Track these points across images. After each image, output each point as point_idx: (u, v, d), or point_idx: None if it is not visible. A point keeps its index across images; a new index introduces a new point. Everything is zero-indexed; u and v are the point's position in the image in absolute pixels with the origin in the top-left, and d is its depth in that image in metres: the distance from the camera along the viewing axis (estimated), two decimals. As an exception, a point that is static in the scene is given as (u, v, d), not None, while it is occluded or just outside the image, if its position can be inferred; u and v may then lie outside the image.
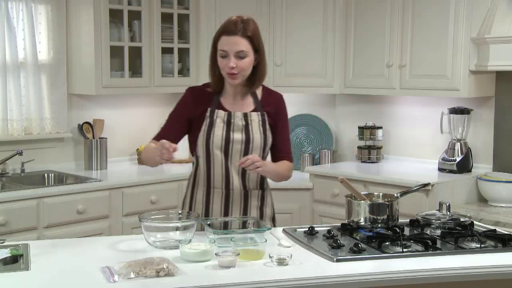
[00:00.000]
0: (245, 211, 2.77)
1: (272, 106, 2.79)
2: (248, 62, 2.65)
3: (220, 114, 2.71)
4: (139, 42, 4.50)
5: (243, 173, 2.74)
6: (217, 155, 2.71)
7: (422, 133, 4.65)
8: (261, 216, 2.81)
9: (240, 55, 2.62)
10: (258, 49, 2.68)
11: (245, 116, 2.73)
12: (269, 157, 2.88)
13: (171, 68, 4.70)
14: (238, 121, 2.72)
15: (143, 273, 2.05)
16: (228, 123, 2.71)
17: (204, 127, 2.71)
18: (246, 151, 2.71)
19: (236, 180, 2.74)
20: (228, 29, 2.63)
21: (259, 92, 2.80)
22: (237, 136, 2.71)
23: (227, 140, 2.70)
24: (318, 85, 4.73)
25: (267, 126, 2.76)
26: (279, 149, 2.82)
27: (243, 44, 2.62)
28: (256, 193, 2.80)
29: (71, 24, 4.41)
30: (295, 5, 4.65)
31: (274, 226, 2.85)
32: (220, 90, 2.76)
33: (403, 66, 4.33)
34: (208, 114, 2.72)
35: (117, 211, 4.03)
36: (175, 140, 2.69)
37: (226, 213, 2.76)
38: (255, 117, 2.74)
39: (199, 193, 2.79)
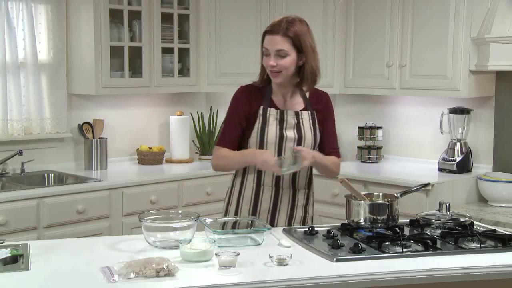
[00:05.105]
0: (292, 210, 2.82)
1: (320, 104, 2.86)
2: (289, 61, 2.68)
3: (273, 112, 2.75)
4: (139, 42, 4.50)
5: (294, 172, 2.76)
6: None
7: (422, 133, 4.65)
8: (305, 215, 2.86)
9: (280, 54, 2.66)
10: (301, 50, 2.70)
11: (296, 114, 2.78)
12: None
13: (171, 68, 4.70)
14: (291, 119, 2.76)
15: (143, 273, 2.05)
16: (281, 121, 2.75)
17: (257, 125, 2.74)
18: None
19: (286, 178, 2.78)
20: (271, 28, 2.69)
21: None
22: (290, 134, 2.75)
23: (281, 138, 2.74)
24: (318, 85, 4.70)
25: (317, 125, 2.81)
26: (327, 145, 2.85)
27: (283, 44, 2.66)
28: (303, 192, 2.85)
29: (71, 24, 4.40)
30: (295, 5, 4.65)
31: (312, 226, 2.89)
32: (268, 86, 2.79)
33: (403, 66, 4.33)
34: (261, 112, 2.75)
35: (117, 211, 4.03)
36: (238, 141, 2.77)
37: (274, 211, 2.80)
38: (306, 116, 2.79)
39: (248, 191, 2.81)
